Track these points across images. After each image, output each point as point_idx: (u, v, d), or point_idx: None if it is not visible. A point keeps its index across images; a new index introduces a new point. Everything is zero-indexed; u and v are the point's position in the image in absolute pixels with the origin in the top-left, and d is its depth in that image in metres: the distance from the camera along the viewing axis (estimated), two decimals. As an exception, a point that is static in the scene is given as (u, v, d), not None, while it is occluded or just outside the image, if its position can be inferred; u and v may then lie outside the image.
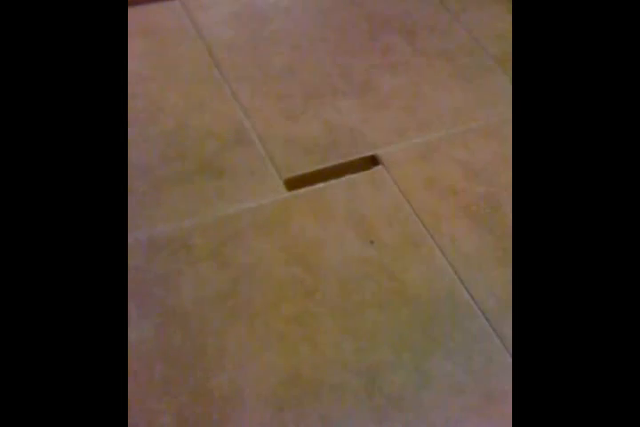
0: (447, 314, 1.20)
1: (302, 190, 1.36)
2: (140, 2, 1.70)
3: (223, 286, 1.19)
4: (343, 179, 1.39)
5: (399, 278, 1.24)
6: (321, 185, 1.37)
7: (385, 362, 1.13)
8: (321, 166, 1.41)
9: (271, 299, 1.19)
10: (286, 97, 1.53)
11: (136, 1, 1.70)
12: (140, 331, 1.12)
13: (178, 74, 1.56)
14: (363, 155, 1.44)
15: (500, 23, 1.75)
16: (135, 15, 1.66)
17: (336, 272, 1.23)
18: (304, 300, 1.19)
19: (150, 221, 1.27)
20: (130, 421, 1.01)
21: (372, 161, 1.43)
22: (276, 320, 1.16)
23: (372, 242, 1.28)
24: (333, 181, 1.38)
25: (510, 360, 1.15)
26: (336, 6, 1.76)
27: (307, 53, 1.63)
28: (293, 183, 1.37)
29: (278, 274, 1.22)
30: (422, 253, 1.28)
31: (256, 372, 1.10)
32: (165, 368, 1.09)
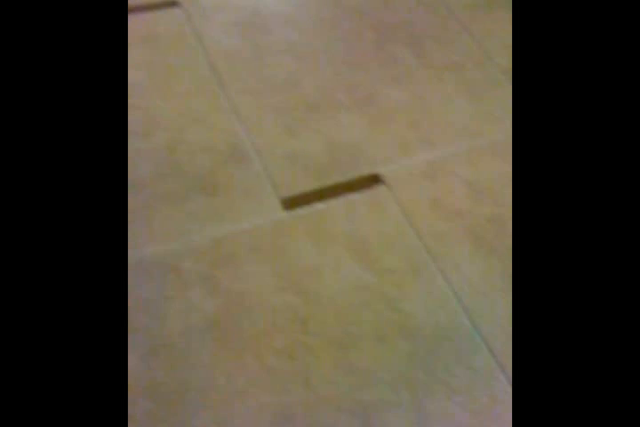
0: (450, 348, 1.13)
1: (300, 211, 1.29)
2: (140, 9, 1.64)
3: (212, 314, 1.13)
4: (343, 199, 1.32)
5: (399, 308, 1.16)
6: (320, 205, 1.30)
7: (382, 401, 1.06)
8: (320, 185, 1.33)
9: (262, 329, 1.12)
10: (287, 110, 1.46)
11: (136, 8, 1.64)
12: (121, 363, 1.05)
13: (176, 85, 1.49)
14: (364, 173, 1.37)
15: (512, 34, 1.67)
16: (135, 23, 1.61)
17: (333, 301, 1.16)
18: (297, 331, 1.12)
19: (137, 242, 1.20)
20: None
21: (374, 180, 1.36)
22: (267, 353, 1.09)
23: None
24: (333, 201, 1.31)
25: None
26: (341, 16, 1.69)
27: (310, 65, 1.56)
28: (291, 203, 1.30)
29: (271, 302, 1.15)
30: (424, 281, 1.21)
31: (243, 411, 1.03)
32: (148, 403, 1.03)
